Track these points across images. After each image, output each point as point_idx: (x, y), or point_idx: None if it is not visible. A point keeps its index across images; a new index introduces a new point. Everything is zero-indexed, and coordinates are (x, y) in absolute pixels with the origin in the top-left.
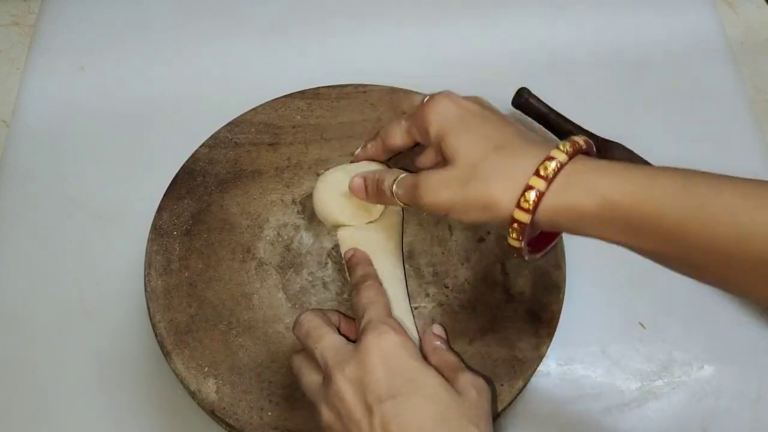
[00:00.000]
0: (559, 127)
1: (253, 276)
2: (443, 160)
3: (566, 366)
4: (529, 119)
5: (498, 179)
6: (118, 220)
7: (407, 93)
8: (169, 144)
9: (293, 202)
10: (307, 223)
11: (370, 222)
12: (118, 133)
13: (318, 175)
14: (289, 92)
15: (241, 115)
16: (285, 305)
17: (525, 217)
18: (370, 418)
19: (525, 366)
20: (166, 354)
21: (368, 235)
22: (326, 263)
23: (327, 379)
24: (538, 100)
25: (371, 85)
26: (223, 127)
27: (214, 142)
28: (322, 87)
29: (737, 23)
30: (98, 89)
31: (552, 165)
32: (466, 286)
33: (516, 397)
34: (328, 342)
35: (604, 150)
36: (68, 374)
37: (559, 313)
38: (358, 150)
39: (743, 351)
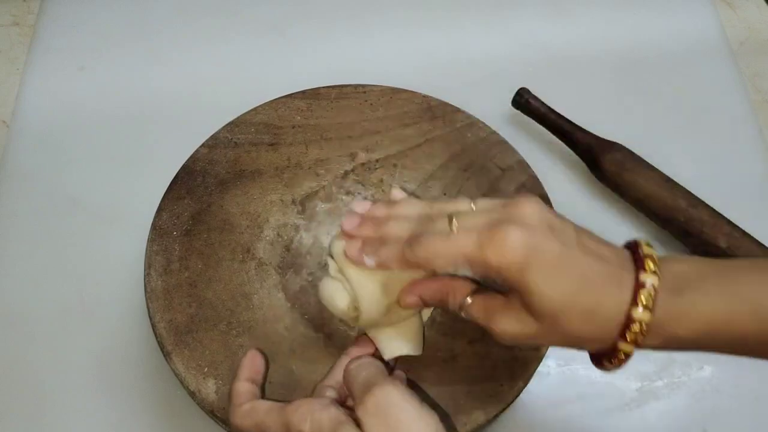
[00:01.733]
0: (559, 127)
1: (252, 276)
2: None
3: (566, 366)
4: (529, 119)
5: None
6: (118, 220)
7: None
8: (169, 144)
9: (293, 202)
10: (306, 223)
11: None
12: (118, 133)
13: (318, 175)
14: (289, 92)
15: (241, 116)
16: (284, 305)
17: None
18: None
19: (525, 366)
20: (166, 354)
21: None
22: (326, 263)
23: None
24: (538, 100)
25: (371, 85)
26: (223, 127)
27: (214, 142)
28: (322, 87)
29: (737, 23)
30: (98, 89)
31: (644, 294)
32: None
33: (516, 398)
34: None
35: (604, 150)
36: (68, 373)
37: None
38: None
39: None
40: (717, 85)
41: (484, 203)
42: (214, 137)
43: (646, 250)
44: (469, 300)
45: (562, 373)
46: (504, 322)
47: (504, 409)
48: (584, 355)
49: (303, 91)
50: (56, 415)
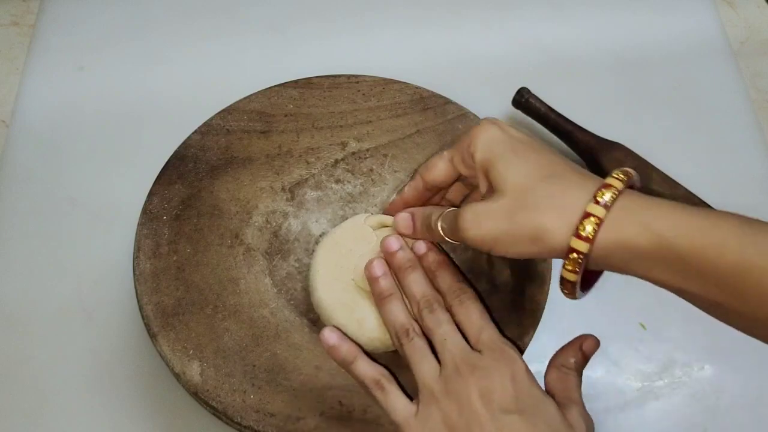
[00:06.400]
0: (559, 127)
1: (240, 261)
2: (489, 191)
3: None
4: (529, 119)
5: (550, 209)
6: (118, 219)
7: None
8: (169, 144)
9: (282, 189)
10: (295, 210)
11: None
12: (117, 133)
13: (308, 163)
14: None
15: (234, 103)
16: (271, 291)
17: (583, 247)
18: (495, 423)
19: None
20: (152, 336)
21: None
22: (313, 250)
23: (452, 375)
24: (538, 100)
25: (364, 75)
26: (216, 114)
27: (206, 128)
28: (315, 77)
29: (737, 23)
30: (98, 89)
31: (608, 194)
32: None
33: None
34: (457, 341)
35: (604, 150)
36: (66, 370)
37: (544, 304)
38: (394, 196)
39: (743, 351)
40: (717, 85)
41: None
42: (206, 124)
43: (625, 169)
44: (440, 222)
45: None
46: (467, 218)
47: None
48: None
49: (296, 81)
50: (53, 405)
